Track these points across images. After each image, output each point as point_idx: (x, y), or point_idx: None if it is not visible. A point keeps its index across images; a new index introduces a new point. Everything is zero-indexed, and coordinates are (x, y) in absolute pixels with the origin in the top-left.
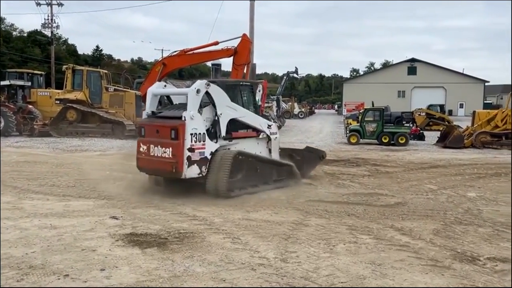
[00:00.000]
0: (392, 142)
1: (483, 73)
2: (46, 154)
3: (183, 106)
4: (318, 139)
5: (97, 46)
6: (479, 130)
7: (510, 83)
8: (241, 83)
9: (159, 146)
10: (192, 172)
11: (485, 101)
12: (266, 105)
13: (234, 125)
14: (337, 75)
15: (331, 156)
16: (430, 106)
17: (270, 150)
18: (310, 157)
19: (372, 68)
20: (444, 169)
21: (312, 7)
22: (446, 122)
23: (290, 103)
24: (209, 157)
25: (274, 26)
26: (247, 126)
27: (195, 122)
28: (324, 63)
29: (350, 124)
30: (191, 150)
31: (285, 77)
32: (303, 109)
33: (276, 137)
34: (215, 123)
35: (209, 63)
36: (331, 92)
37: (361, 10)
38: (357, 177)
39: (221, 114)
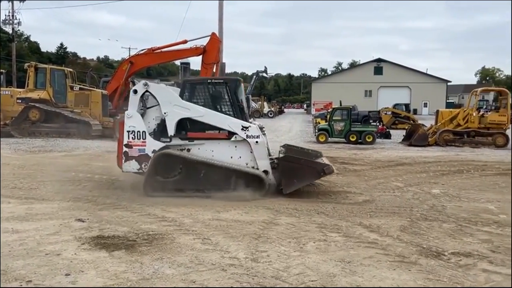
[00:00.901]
0: (359, 140)
1: (445, 73)
2: (7, 155)
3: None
4: (287, 138)
5: (61, 44)
6: (442, 129)
7: (470, 83)
8: (209, 80)
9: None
10: (130, 167)
11: (447, 101)
12: None
13: (198, 125)
14: (306, 74)
15: None
16: (395, 105)
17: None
18: (303, 170)
19: (340, 68)
20: (409, 166)
21: (279, 7)
22: (411, 121)
23: (260, 103)
24: (151, 154)
25: (243, 25)
26: (217, 127)
27: (132, 120)
28: (293, 63)
29: (319, 123)
30: (128, 146)
31: (254, 77)
32: (272, 109)
33: (257, 141)
34: (163, 122)
35: (177, 62)
36: (300, 91)
37: (329, 10)
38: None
39: (165, 113)
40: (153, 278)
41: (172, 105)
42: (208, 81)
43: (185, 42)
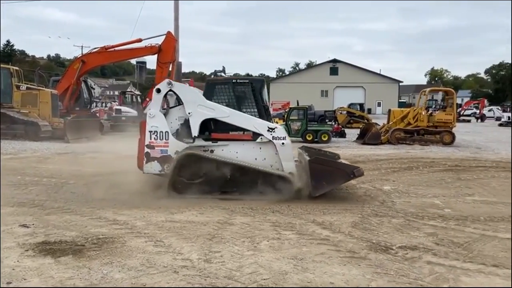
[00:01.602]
0: (315, 139)
1: (398, 74)
2: None
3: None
4: None
5: (8, 41)
6: (394, 127)
7: (421, 83)
8: (234, 80)
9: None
10: (151, 168)
11: (399, 100)
12: None
13: (221, 125)
14: (264, 74)
15: None
16: (350, 105)
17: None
18: (333, 172)
19: (297, 68)
20: (363, 164)
21: (236, 7)
22: (365, 120)
23: None
24: (173, 155)
25: (199, 24)
26: (242, 128)
27: (155, 120)
28: (251, 63)
29: (277, 123)
30: (150, 147)
31: (212, 76)
32: None
33: (283, 143)
34: (186, 122)
35: (133, 61)
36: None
37: (286, 11)
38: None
39: (190, 113)
40: (101, 283)
41: (197, 105)
42: (233, 81)
43: (139, 40)
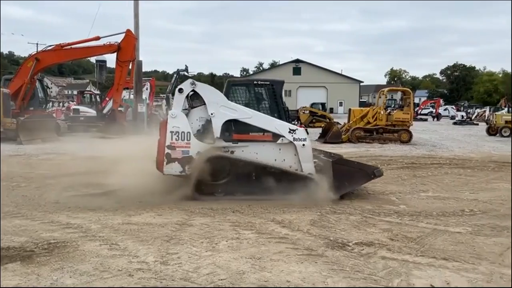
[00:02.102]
0: None
1: (358, 74)
2: None
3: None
4: None
5: None
6: (354, 126)
7: (381, 83)
8: (255, 82)
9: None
10: (172, 169)
11: (360, 100)
12: (155, 103)
13: (242, 126)
14: (228, 74)
15: None
16: (313, 105)
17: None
18: (355, 173)
19: (261, 68)
20: None
21: (199, 6)
22: (327, 119)
23: None
24: (195, 156)
25: (161, 23)
26: (262, 129)
27: (176, 120)
28: (215, 62)
29: None
30: (171, 147)
31: (175, 75)
32: None
33: (303, 144)
34: (207, 123)
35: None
36: (222, 90)
37: (249, 11)
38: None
39: (212, 114)
40: None
41: (219, 106)
42: (254, 82)
43: (97, 38)
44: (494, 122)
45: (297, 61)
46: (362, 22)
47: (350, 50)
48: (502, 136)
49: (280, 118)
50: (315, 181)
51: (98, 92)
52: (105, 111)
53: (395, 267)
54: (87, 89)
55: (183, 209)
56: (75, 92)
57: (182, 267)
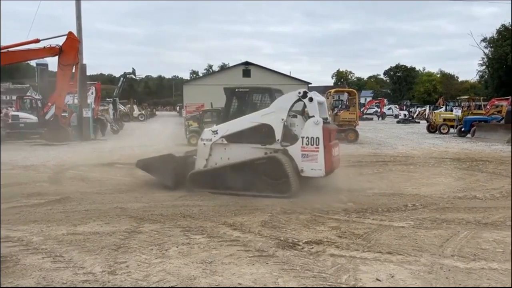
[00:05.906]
0: None
1: (306, 76)
2: None
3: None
4: (159, 141)
5: None
6: None
7: (329, 85)
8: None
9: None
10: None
11: None
12: (101, 108)
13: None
14: (178, 76)
15: None
16: None
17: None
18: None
19: (211, 70)
20: None
21: (140, 7)
22: None
23: (129, 106)
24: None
25: (102, 25)
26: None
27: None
28: (164, 65)
29: (191, 125)
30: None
31: (122, 79)
32: (143, 112)
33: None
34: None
35: (33, 63)
36: (172, 93)
37: (193, 13)
38: None
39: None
40: None
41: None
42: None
43: (37, 41)
44: (434, 120)
45: (247, 63)
46: (306, 24)
47: (296, 52)
48: (441, 133)
49: None
50: None
51: (39, 97)
52: (47, 117)
53: (343, 263)
54: (27, 94)
55: (131, 216)
56: (14, 98)
57: (131, 276)
